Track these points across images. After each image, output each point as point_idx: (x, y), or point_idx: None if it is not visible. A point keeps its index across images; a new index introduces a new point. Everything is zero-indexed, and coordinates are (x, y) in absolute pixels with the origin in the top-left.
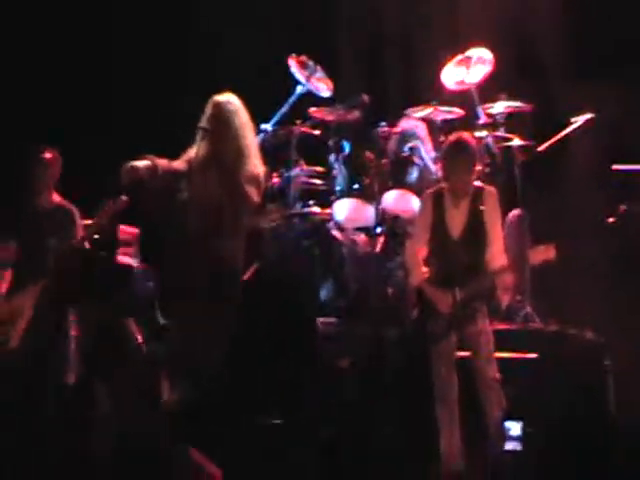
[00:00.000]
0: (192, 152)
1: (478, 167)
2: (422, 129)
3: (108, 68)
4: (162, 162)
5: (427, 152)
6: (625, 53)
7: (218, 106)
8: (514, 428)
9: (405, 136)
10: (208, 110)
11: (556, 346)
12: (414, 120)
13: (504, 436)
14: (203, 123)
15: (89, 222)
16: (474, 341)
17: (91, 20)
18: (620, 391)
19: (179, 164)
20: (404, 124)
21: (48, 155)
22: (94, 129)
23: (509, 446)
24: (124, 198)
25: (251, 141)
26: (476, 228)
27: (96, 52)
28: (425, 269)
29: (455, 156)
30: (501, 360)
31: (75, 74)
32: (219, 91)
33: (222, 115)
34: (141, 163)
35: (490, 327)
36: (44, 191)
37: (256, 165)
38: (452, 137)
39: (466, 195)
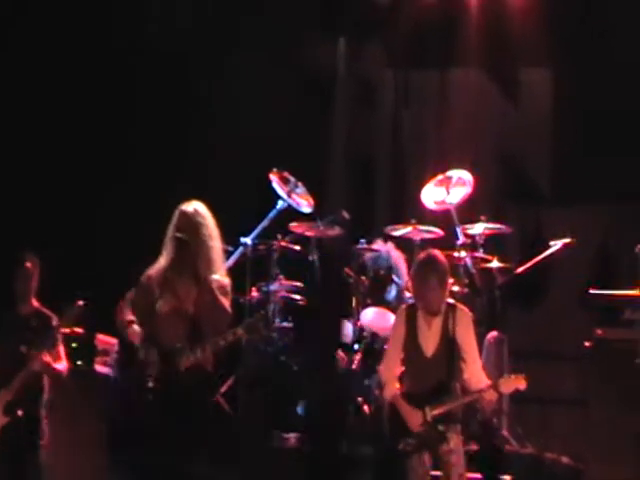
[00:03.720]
0: (162, 262)
1: (455, 287)
2: (397, 257)
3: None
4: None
5: (400, 275)
6: (606, 179)
7: (186, 216)
8: None
9: (379, 256)
10: (176, 220)
11: (532, 469)
12: (389, 247)
13: None
14: (171, 233)
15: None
16: (445, 460)
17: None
18: None
19: (148, 276)
20: (380, 246)
21: (29, 263)
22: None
23: None
24: (80, 303)
25: (219, 251)
26: (449, 347)
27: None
28: (398, 385)
29: (425, 274)
30: None
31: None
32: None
33: (191, 226)
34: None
35: (464, 447)
36: (25, 297)
37: (224, 275)
38: (422, 255)
39: (438, 313)
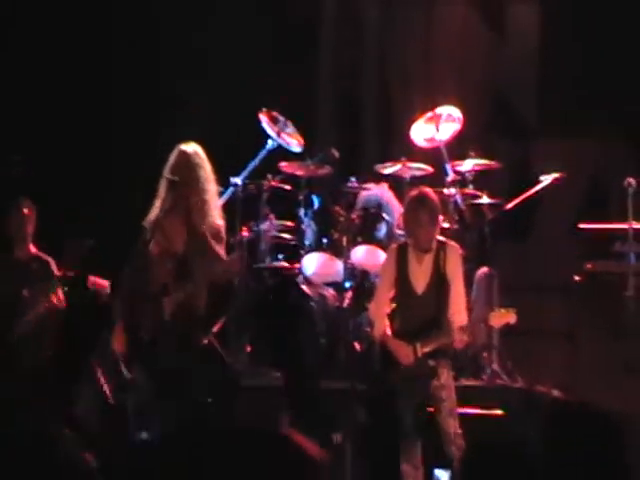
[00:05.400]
0: (157, 203)
1: (445, 223)
2: (388, 196)
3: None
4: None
5: (393, 215)
6: (594, 113)
7: (184, 156)
8: (443, 477)
9: (370, 196)
10: (173, 159)
11: (522, 403)
12: (381, 185)
13: None
14: (167, 172)
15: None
16: (436, 395)
17: None
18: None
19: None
20: (372, 186)
21: (27, 207)
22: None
23: None
24: (89, 240)
25: (213, 194)
26: (439, 283)
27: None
28: (388, 323)
29: (416, 211)
30: (466, 416)
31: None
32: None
33: (188, 166)
34: None
35: (454, 382)
36: (21, 242)
37: (217, 218)
38: (413, 192)
39: (429, 250)
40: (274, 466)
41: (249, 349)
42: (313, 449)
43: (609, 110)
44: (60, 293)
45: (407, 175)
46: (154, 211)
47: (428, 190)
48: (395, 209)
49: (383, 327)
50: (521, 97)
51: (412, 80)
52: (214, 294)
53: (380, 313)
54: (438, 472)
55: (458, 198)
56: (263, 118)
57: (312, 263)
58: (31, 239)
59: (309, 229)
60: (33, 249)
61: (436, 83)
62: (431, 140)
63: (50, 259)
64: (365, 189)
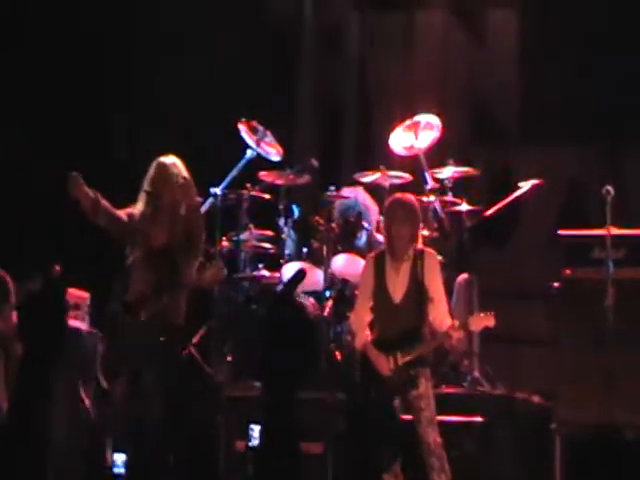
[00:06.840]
0: (136, 212)
1: (424, 231)
2: (366, 201)
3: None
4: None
5: (371, 219)
6: (573, 120)
7: (162, 168)
8: None
9: (348, 204)
10: (152, 172)
11: (503, 410)
12: (356, 189)
13: None
14: (146, 184)
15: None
16: (415, 405)
17: None
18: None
19: (125, 217)
20: (346, 192)
21: None
22: None
23: None
24: (57, 267)
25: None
26: (417, 292)
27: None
28: (368, 333)
29: (396, 214)
30: (447, 424)
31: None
32: (169, 153)
33: (166, 178)
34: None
35: (433, 390)
36: None
37: (195, 227)
38: (394, 196)
39: (407, 258)
40: None
41: (230, 359)
42: None
43: (587, 118)
44: (13, 316)
45: (386, 183)
46: (130, 218)
47: (409, 195)
48: (372, 211)
49: (364, 337)
50: (500, 104)
51: (391, 88)
52: (193, 304)
53: (361, 323)
54: None
55: (437, 206)
56: (242, 128)
57: (292, 272)
58: None
59: (289, 238)
60: None
61: (415, 91)
62: (410, 148)
63: (6, 274)
64: (341, 197)
